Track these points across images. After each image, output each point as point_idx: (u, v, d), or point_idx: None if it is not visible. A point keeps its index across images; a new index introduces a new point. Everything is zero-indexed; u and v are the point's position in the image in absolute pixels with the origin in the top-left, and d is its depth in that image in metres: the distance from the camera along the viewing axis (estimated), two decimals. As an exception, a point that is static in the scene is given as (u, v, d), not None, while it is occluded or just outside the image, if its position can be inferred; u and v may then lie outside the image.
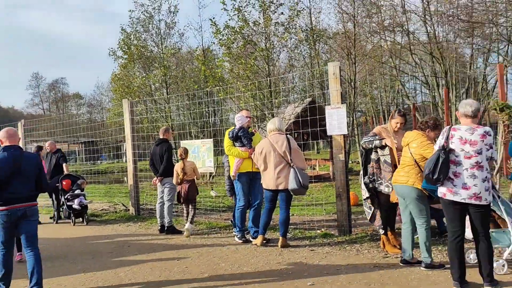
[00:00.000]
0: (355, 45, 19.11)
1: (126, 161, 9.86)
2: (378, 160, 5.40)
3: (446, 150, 3.90)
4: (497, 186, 5.57)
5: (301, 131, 14.58)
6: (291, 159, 5.75)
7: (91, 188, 16.54)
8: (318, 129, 7.39)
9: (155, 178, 7.54)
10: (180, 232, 7.36)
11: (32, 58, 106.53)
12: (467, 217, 4.00)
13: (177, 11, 19.86)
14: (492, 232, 4.22)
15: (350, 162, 20.13)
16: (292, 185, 5.66)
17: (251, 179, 6.41)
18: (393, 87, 31.58)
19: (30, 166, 4.45)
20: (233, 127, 6.51)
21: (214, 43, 13.12)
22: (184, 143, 9.23)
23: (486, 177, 3.84)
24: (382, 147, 5.32)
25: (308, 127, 12.99)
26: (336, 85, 6.44)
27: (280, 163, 5.78)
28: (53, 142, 9.91)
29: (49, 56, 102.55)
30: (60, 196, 8.99)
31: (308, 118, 7.83)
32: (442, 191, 4.00)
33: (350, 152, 19.09)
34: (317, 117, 7.48)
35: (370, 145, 5.37)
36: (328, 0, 23.28)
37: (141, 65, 18.55)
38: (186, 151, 7.27)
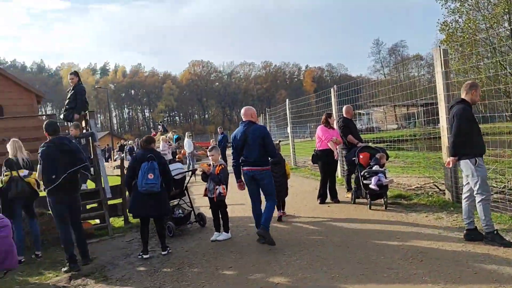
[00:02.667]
0: None
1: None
2: None
3: None
4: None
5: None
6: None
7: (417, 157, 14.44)
8: None
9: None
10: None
11: (372, 25, 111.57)
12: None
13: None
14: None
15: None
16: None
17: None
18: None
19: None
20: None
21: None
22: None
23: None
24: None
25: None
26: None
27: None
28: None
29: (388, 21, 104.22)
30: (356, 172, 7.53)
31: None
32: None
33: None
34: None
35: None
36: None
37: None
38: None
